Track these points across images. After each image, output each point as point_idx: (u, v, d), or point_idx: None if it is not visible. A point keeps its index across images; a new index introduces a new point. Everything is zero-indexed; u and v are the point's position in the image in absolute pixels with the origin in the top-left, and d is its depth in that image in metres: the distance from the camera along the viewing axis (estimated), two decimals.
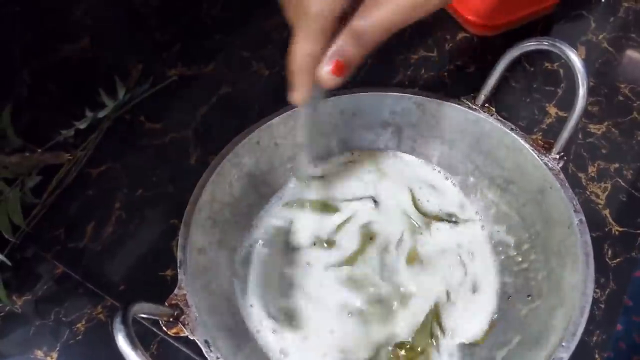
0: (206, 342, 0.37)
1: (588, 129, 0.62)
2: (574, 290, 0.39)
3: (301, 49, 0.34)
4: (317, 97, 0.40)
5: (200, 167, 0.46)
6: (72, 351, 0.49)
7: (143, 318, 0.48)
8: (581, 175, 0.58)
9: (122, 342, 0.30)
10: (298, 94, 0.37)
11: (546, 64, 0.68)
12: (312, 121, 0.44)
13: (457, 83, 0.66)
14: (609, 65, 0.67)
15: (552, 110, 0.64)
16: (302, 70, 0.35)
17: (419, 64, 0.67)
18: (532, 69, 0.67)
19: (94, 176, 0.60)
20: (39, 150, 0.59)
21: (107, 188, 0.59)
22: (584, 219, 0.42)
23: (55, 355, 0.49)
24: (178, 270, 0.40)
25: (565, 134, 0.44)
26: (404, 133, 0.52)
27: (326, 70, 0.35)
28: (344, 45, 0.34)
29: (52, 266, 0.54)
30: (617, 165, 0.59)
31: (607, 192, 0.57)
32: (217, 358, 0.36)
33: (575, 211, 0.42)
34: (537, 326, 0.41)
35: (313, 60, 0.35)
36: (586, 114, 0.63)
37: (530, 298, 0.43)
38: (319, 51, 0.34)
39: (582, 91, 0.43)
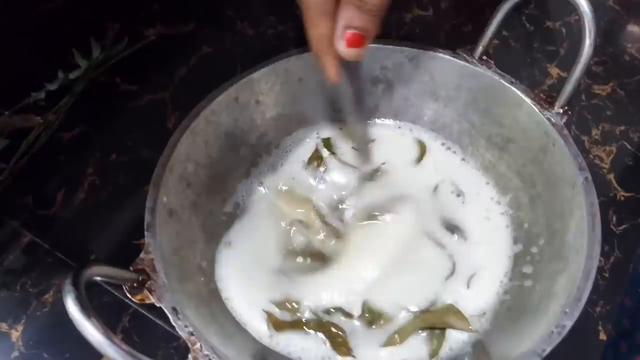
0: (174, 309, 0.33)
1: (592, 90, 0.58)
2: (578, 254, 0.36)
3: (311, 34, 0.35)
4: (352, 67, 0.39)
5: None
6: (40, 323, 0.46)
7: (114, 288, 0.46)
8: (584, 138, 0.55)
9: (71, 307, 0.27)
10: (329, 73, 0.38)
11: (547, 23, 0.64)
12: (355, 87, 0.41)
13: (453, 42, 0.62)
14: (615, 24, 0.63)
15: (554, 70, 0.60)
16: (321, 51, 0.36)
17: (413, 23, 0.63)
18: (532, 28, 0.63)
19: (66, 140, 0.56)
20: (7, 112, 0.55)
21: (80, 153, 0.55)
22: (589, 177, 0.38)
23: (21, 327, 0.46)
24: (145, 233, 0.37)
25: (569, 86, 0.40)
26: (395, 90, 0.48)
27: (342, 46, 0.35)
28: (347, 17, 0.34)
29: (19, 234, 0.50)
30: (622, 127, 0.56)
31: (612, 156, 0.54)
32: (186, 327, 0.33)
33: (580, 169, 0.39)
34: (538, 293, 0.38)
35: (326, 40, 0.35)
36: (590, 74, 0.59)
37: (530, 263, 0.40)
38: (327, 31, 0.34)
39: (588, 41, 0.40)
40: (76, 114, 0.57)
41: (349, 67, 0.38)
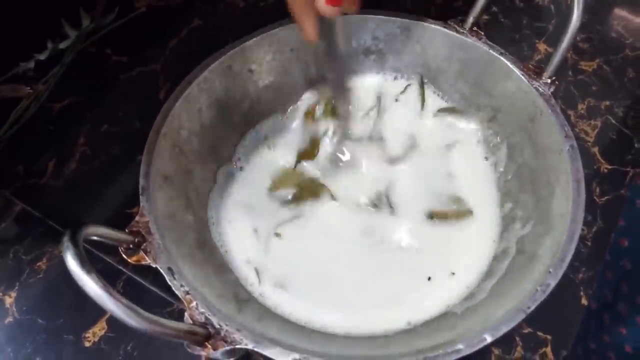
0: (170, 269, 0.34)
1: (579, 66, 0.59)
2: (563, 219, 0.37)
3: None
4: (331, 29, 0.39)
5: None
6: (33, 290, 0.46)
7: (108, 255, 0.46)
8: (570, 112, 0.56)
9: (71, 262, 0.27)
10: (307, 32, 0.37)
11: (537, 0, 0.64)
12: (334, 52, 0.41)
13: (443, 16, 0.62)
14: (602, 0, 0.64)
15: (542, 46, 0.61)
16: (301, 9, 0.36)
17: None
18: (522, 4, 0.64)
19: (56, 111, 0.56)
20: None
21: (70, 123, 0.55)
22: (575, 144, 0.39)
23: (14, 294, 0.46)
24: (140, 197, 0.37)
25: (557, 56, 0.41)
26: (387, 62, 0.49)
27: (321, 3, 0.35)
28: None
29: (10, 203, 0.50)
30: (607, 102, 0.57)
31: (596, 130, 0.55)
32: (182, 286, 0.34)
33: (566, 137, 0.40)
34: (523, 255, 0.39)
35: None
36: (577, 50, 0.60)
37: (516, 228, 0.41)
38: None
39: (577, 12, 0.41)
40: (66, 85, 0.57)
41: (328, 30, 0.39)
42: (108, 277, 0.46)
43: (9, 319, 0.45)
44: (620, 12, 0.64)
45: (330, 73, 0.45)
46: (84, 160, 0.53)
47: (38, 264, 0.47)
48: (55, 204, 0.50)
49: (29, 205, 0.50)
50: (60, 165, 0.52)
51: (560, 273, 0.34)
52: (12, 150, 0.53)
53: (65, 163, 0.52)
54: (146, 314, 0.29)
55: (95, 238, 0.31)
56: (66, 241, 0.28)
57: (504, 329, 0.33)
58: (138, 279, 0.46)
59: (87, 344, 0.44)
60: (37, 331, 0.45)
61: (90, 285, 0.27)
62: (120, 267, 0.46)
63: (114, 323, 0.44)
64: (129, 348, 0.43)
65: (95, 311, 0.44)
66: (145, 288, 0.46)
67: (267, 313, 0.39)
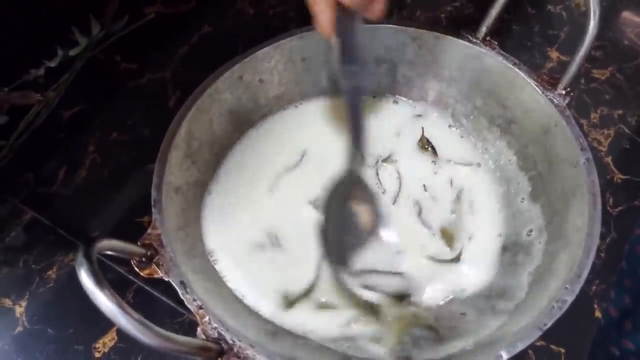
0: (182, 283, 0.34)
1: (591, 74, 0.59)
2: (578, 233, 0.37)
3: None
4: (349, 25, 0.35)
5: (179, 109, 0.43)
6: (43, 299, 0.46)
7: (119, 265, 0.46)
8: (583, 121, 0.55)
9: (84, 278, 0.27)
10: (321, 24, 0.33)
11: (549, 7, 0.64)
12: (349, 54, 0.36)
13: (454, 24, 0.62)
14: (614, 8, 0.64)
15: (554, 54, 0.60)
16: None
17: (414, 4, 0.63)
18: (533, 11, 0.64)
19: (66, 118, 0.56)
20: (6, 89, 0.55)
21: (80, 131, 0.55)
22: (591, 157, 0.39)
23: (24, 303, 0.46)
24: (152, 209, 0.37)
25: (573, 66, 0.41)
26: (398, 71, 0.48)
27: None
28: None
29: (20, 211, 0.50)
30: (620, 111, 0.56)
31: (609, 139, 0.55)
32: (194, 300, 0.33)
33: (582, 149, 0.39)
34: (538, 271, 0.38)
35: None
36: (589, 58, 0.60)
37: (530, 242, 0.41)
38: None
39: (593, 22, 0.40)
40: (76, 92, 0.57)
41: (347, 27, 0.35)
42: (118, 286, 0.46)
43: (19, 329, 0.45)
44: (632, 18, 0.63)
45: (344, 80, 0.38)
46: (94, 169, 0.53)
47: (48, 273, 0.47)
48: (65, 212, 0.50)
49: (38, 214, 0.50)
50: (70, 174, 0.52)
51: (577, 289, 0.34)
52: (21, 158, 0.53)
53: (75, 171, 0.52)
54: (159, 329, 0.29)
55: (108, 252, 0.31)
56: (80, 256, 0.28)
57: (520, 346, 0.32)
58: (148, 289, 0.46)
59: (97, 355, 0.44)
60: (47, 341, 0.44)
61: (104, 301, 0.27)
62: (131, 277, 0.46)
63: (125, 334, 0.44)
64: (139, 359, 0.43)
65: (106, 321, 0.43)
66: (156, 298, 0.45)
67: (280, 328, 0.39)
